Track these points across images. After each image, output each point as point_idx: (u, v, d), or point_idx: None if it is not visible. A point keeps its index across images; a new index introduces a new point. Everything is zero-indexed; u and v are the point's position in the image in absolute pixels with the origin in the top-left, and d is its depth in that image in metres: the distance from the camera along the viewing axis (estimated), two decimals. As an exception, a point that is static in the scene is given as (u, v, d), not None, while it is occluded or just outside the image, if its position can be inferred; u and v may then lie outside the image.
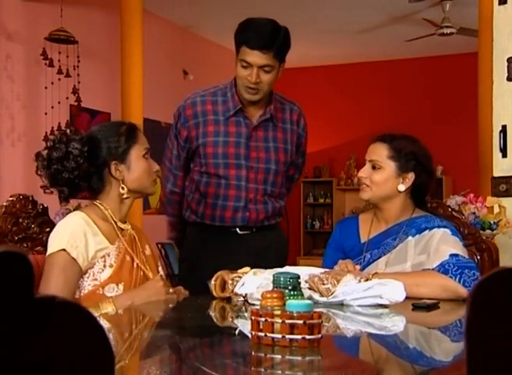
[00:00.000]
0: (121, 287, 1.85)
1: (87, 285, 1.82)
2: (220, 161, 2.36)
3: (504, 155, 3.27)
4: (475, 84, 4.70)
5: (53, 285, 1.77)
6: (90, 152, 1.88)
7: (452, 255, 1.91)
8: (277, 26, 2.31)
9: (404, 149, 2.07)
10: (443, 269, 1.89)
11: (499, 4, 3.27)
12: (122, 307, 1.79)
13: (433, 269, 1.91)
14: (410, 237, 2.04)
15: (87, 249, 1.82)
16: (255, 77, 2.27)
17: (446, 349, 1.40)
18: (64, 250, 1.79)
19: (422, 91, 8.42)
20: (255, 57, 2.25)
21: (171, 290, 1.91)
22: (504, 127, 3.27)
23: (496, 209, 3.34)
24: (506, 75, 3.27)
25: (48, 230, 2.12)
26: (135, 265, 1.91)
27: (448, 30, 6.27)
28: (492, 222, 3.31)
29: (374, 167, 2.07)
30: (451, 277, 1.86)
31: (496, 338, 0.65)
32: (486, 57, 3.78)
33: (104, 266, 1.84)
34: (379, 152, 2.07)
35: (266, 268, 1.87)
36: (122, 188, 1.92)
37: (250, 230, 2.42)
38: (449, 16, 6.23)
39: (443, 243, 1.97)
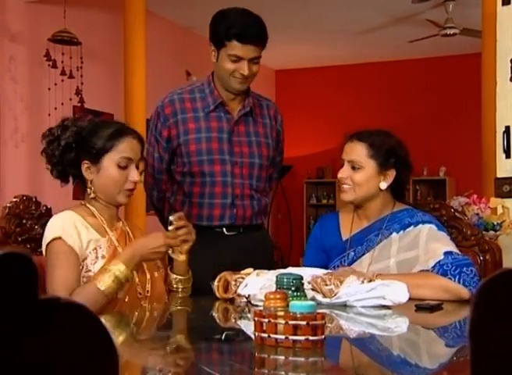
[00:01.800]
0: None
1: (82, 277, 1.82)
2: (204, 157, 2.34)
3: (508, 156, 3.26)
4: (478, 85, 4.70)
5: (59, 273, 1.77)
6: (77, 146, 1.92)
7: (446, 254, 1.91)
8: (258, 17, 2.30)
9: (383, 146, 2.04)
10: (442, 269, 1.88)
11: (503, 4, 3.26)
12: (128, 261, 1.79)
13: (431, 270, 1.90)
14: (394, 234, 2.03)
15: (80, 238, 1.83)
16: (248, 70, 2.26)
17: (448, 351, 1.40)
18: (60, 238, 1.81)
19: (425, 91, 8.41)
20: (247, 51, 2.24)
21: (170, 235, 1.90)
22: (508, 128, 3.27)
23: (500, 210, 3.34)
24: (509, 76, 3.27)
25: (51, 230, 2.12)
26: None
27: (451, 31, 6.26)
28: (495, 223, 3.31)
29: (353, 167, 2.04)
30: (451, 279, 1.86)
31: (499, 339, 0.65)
32: (490, 58, 3.77)
33: (97, 257, 1.84)
34: (358, 152, 2.04)
35: (254, 269, 1.88)
36: (90, 188, 1.92)
37: (236, 230, 2.40)
38: (452, 17, 6.23)
39: (433, 241, 1.96)
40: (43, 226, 2.10)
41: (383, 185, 2.05)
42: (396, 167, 2.05)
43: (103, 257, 1.85)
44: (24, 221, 2.06)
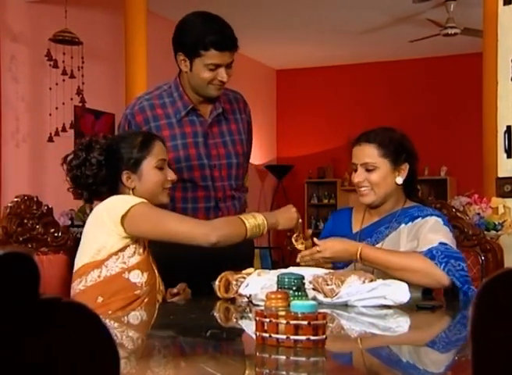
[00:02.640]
0: (145, 275, 1.89)
1: (115, 267, 1.86)
2: (183, 164, 2.29)
3: (509, 156, 3.26)
4: (480, 85, 4.70)
5: (169, 218, 1.91)
6: (108, 161, 1.96)
7: (441, 243, 1.93)
8: (222, 19, 2.27)
9: (392, 143, 2.06)
10: (430, 254, 1.91)
11: (504, 4, 3.26)
12: (269, 221, 1.96)
13: (420, 253, 1.92)
14: (403, 225, 2.05)
15: None
16: (226, 76, 2.23)
17: (449, 351, 1.40)
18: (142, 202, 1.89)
19: (426, 91, 8.40)
20: (225, 58, 2.21)
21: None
22: (509, 128, 3.27)
23: (501, 210, 3.34)
24: (510, 75, 3.27)
25: (52, 230, 2.12)
26: (151, 261, 1.96)
27: (452, 31, 6.26)
28: (496, 222, 3.31)
29: (368, 170, 2.06)
30: (437, 264, 1.88)
31: (500, 339, 0.65)
32: (491, 57, 3.77)
33: (134, 252, 1.89)
34: (369, 154, 2.06)
35: (236, 271, 1.89)
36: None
37: None
38: (453, 17, 6.22)
39: (434, 232, 1.99)
40: (44, 226, 2.10)
41: (399, 180, 2.07)
42: (407, 161, 2.08)
43: (139, 254, 1.90)
44: (25, 221, 2.06)
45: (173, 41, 2.30)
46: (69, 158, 2.00)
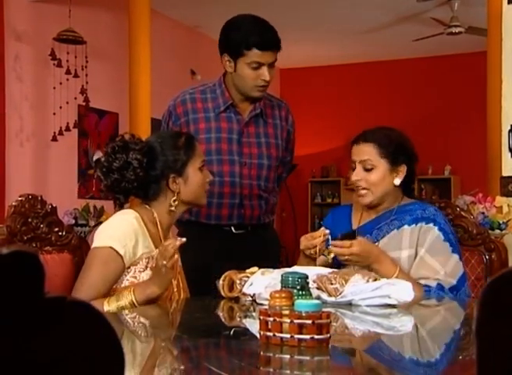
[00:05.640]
0: None
1: (126, 280, 1.83)
2: (214, 157, 2.35)
3: (513, 155, 3.26)
4: (484, 84, 4.69)
5: (92, 276, 1.78)
6: (149, 163, 1.88)
7: (439, 285, 1.96)
8: (267, 21, 2.33)
9: (391, 144, 2.06)
10: (427, 292, 1.95)
11: (508, 3, 3.26)
12: (141, 297, 1.76)
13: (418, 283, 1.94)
14: (406, 226, 2.05)
15: (135, 250, 1.83)
16: (269, 76, 2.29)
17: (453, 349, 1.40)
18: (111, 247, 1.79)
19: (430, 90, 8.39)
20: (267, 57, 2.27)
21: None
22: (513, 127, 3.26)
23: (505, 209, 3.34)
24: (515, 74, 3.26)
25: (56, 229, 2.13)
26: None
27: (456, 30, 6.25)
28: (501, 222, 3.30)
29: (366, 169, 2.06)
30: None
31: (505, 338, 0.65)
32: (495, 56, 3.76)
33: (146, 267, 1.84)
34: (368, 152, 2.05)
35: (261, 268, 1.89)
36: (174, 201, 1.91)
37: (245, 229, 2.42)
38: (457, 15, 6.21)
39: (433, 253, 2.00)
40: (48, 225, 2.11)
41: (397, 181, 2.07)
42: (406, 162, 2.08)
43: (152, 269, 1.84)
44: (30, 220, 2.06)
45: (219, 43, 2.37)
46: (104, 162, 1.87)
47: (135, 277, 1.84)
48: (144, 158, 1.86)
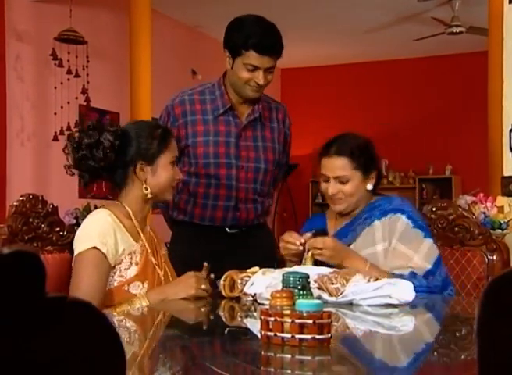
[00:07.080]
0: (146, 285, 1.86)
1: (113, 281, 1.83)
2: (211, 160, 2.35)
3: (514, 155, 3.25)
4: (485, 83, 4.68)
5: (87, 282, 1.78)
6: (120, 147, 1.89)
7: (411, 274, 1.97)
8: (274, 25, 2.30)
9: (361, 154, 2.11)
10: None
11: (510, 3, 3.25)
12: (155, 302, 1.81)
13: (391, 274, 1.94)
14: (376, 221, 2.09)
15: (116, 247, 1.83)
16: (263, 80, 2.27)
17: (454, 349, 1.40)
18: (95, 248, 1.79)
19: (431, 90, 8.38)
20: (264, 61, 2.25)
21: (203, 286, 1.88)
22: (514, 126, 3.26)
23: (507, 209, 3.34)
24: (516, 74, 3.26)
25: (57, 229, 2.12)
26: (154, 264, 1.92)
27: (457, 29, 6.24)
28: (502, 221, 3.30)
29: (341, 182, 2.10)
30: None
31: (506, 337, 0.65)
32: (496, 56, 3.76)
33: (131, 263, 1.85)
34: (341, 166, 2.10)
35: (260, 268, 1.90)
36: (146, 189, 1.91)
37: (238, 229, 2.42)
38: (458, 15, 6.21)
39: (405, 241, 2.03)
40: (49, 225, 2.10)
41: (370, 187, 2.14)
42: (376, 168, 2.16)
43: (136, 263, 1.86)
44: (31, 220, 2.06)
45: (223, 39, 2.36)
46: (76, 136, 1.89)
47: (122, 276, 1.84)
48: (116, 141, 1.87)
